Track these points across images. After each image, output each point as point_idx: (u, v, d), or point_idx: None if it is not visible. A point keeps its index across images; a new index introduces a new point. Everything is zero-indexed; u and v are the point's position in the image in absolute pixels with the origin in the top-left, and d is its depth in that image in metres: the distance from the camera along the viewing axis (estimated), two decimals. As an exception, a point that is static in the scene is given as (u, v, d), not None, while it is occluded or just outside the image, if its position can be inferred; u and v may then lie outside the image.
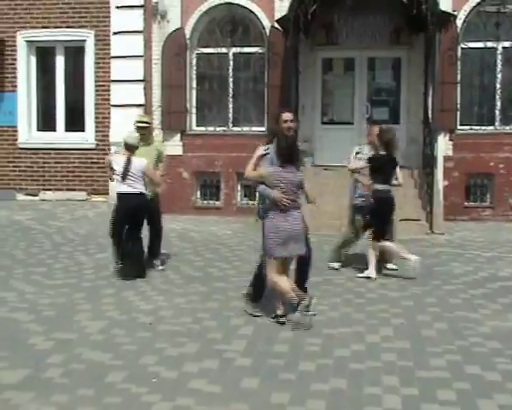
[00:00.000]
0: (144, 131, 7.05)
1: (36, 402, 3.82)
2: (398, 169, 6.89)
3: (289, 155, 5.15)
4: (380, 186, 6.67)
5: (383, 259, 7.03)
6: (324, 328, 5.15)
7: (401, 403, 3.80)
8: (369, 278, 6.66)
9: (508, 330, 5.15)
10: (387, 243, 6.77)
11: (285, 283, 5.17)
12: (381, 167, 6.66)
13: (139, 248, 6.83)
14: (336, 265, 7.11)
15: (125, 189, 6.61)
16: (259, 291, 5.53)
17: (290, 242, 5.12)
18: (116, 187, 6.76)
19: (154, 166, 7.03)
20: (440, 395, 3.89)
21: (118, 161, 6.71)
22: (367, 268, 6.74)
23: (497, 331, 5.09)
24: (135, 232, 6.79)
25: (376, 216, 6.75)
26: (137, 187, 6.64)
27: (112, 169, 6.74)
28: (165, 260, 7.40)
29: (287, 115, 5.44)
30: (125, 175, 6.58)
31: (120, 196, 6.70)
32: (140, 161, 6.64)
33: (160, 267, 7.11)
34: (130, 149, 6.65)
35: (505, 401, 3.84)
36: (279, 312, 5.29)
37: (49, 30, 11.72)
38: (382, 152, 6.70)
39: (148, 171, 6.73)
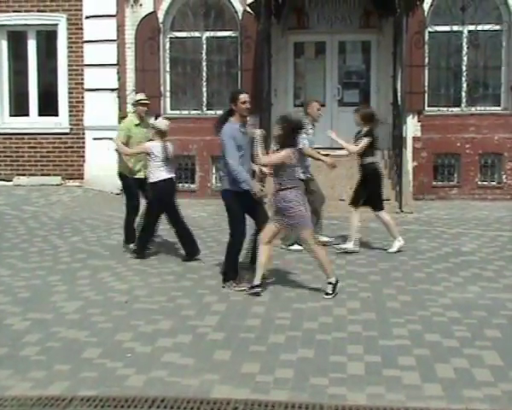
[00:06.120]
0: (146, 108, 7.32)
1: (13, 379, 3.94)
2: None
3: None
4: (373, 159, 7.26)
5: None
6: (294, 303, 5.36)
7: (364, 369, 4.03)
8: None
9: (467, 300, 5.42)
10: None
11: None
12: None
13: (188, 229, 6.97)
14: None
15: (166, 175, 6.75)
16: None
17: None
18: (155, 174, 6.74)
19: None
20: (401, 361, 4.13)
21: (155, 147, 6.79)
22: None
23: (457, 302, 5.36)
24: (178, 215, 6.93)
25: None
26: (173, 172, 6.90)
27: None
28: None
29: (244, 96, 5.82)
30: (167, 161, 6.75)
31: (165, 181, 6.77)
32: (171, 146, 6.85)
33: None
34: (164, 135, 6.84)
35: (460, 364, 4.09)
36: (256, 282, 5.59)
37: (20, 14, 11.58)
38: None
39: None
